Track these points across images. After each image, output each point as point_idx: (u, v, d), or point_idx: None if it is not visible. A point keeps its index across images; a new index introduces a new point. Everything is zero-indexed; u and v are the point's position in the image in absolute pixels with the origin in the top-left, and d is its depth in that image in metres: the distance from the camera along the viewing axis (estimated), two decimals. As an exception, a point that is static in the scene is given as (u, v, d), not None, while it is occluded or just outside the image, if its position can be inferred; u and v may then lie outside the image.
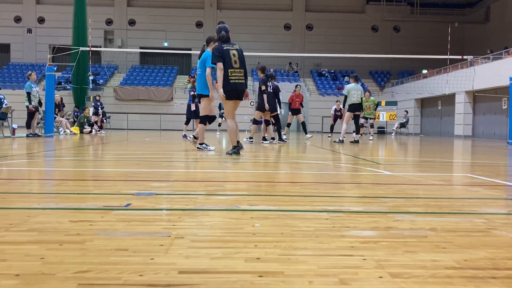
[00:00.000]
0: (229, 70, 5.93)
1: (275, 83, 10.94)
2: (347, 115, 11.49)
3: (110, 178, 3.62)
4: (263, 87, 10.34)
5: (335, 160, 5.97)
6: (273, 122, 10.88)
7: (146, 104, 29.50)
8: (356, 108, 11.16)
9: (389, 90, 31.78)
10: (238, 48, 6.12)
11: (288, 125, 13.42)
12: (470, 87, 19.19)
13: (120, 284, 1.21)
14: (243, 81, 6.05)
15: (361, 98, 11.35)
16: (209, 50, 6.59)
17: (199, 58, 6.91)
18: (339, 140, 11.23)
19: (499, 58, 21.12)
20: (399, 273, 1.33)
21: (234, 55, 5.98)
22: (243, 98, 6.18)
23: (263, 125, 11.20)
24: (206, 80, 6.62)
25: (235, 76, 5.97)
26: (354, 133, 11.62)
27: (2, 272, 1.28)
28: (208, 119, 6.89)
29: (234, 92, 6.01)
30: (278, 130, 10.89)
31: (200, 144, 7.12)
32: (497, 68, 19.33)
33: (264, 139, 10.69)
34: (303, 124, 13.60)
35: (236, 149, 6.04)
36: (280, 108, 10.86)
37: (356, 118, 11.51)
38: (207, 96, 6.75)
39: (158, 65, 36.44)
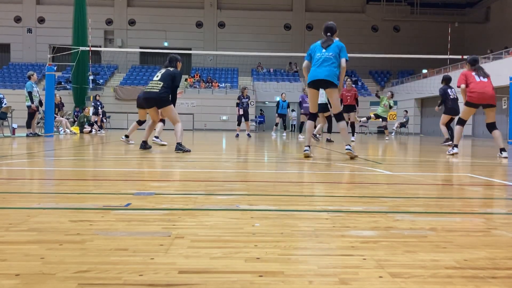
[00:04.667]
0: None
1: None
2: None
3: (110, 178, 3.62)
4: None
5: (335, 159, 5.97)
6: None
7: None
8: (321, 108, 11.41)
9: (389, 90, 31.78)
10: (170, 69, 7.07)
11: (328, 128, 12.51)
12: (470, 87, 19.14)
13: (120, 284, 1.21)
14: (156, 89, 6.85)
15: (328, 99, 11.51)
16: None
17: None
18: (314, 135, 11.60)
19: (499, 58, 21.13)
20: (399, 273, 1.33)
21: (161, 72, 7.06)
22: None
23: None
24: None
25: (149, 86, 7.01)
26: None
27: (2, 272, 1.28)
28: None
29: (142, 99, 7.10)
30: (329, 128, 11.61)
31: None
32: (497, 68, 19.33)
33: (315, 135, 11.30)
34: (352, 125, 12.82)
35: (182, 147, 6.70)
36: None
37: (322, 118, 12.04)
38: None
39: (158, 65, 36.42)
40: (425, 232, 1.85)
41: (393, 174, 4.18)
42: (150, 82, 7.05)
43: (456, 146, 6.99)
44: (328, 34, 5.86)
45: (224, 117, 30.14)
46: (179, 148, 6.69)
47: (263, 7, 36.42)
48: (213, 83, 32.20)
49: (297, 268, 1.36)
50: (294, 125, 31.57)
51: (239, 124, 14.81)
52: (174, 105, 7.02)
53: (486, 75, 6.88)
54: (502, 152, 6.72)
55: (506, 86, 15.74)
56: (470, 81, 6.84)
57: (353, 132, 11.95)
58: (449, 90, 10.97)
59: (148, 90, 6.96)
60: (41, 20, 35.75)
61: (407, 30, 36.79)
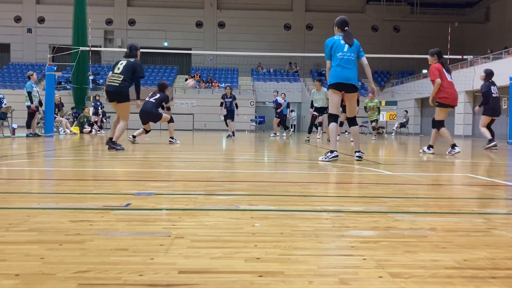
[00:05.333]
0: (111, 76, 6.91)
1: None
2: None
3: (110, 178, 3.62)
4: None
5: (335, 160, 5.96)
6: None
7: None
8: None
9: (389, 90, 31.79)
10: (131, 60, 6.99)
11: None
12: (470, 87, 19.18)
13: (120, 284, 1.21)
14: (117, 83, 6.75)
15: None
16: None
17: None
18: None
19: (499, 58, 21.11)
20: (399, 273, 1.33)
21: (121, 63, 6.92)
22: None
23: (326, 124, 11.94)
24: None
25: (110, 79, 6.87)
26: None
27: (2, 272, 1.28)
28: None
29: (106, 93, 6.90)
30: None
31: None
32: (497, 68, 19.29)
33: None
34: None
35: (114, 145, 6.75)
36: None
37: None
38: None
39: (158, 65, 36.45)
40: (425, 232, 1.85)
41: (393, 174, 4.18)
42: (112, 74, 6.90)
43: (455, 145, 6.96)
44: (346, 28, 5.51)
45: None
46: (113, 146, 6.70)
47: (263, 7, 36.41)
48: (213, 83, 32.20)
49: (297, 268, 1.36)
50: (294, 125, 31.57)
51: (227, 124, 14.63)
52: (139, 97, 7.14)
53: (450, 71, 6.93)
54: (455, 147, 6.85)
55: (506, 86, 15.72)
56: (442, 78, 6.75)
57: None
58: (492, 88, 9.71)
59: (109, 83, 6.85)
60: (41, 20, 35.74)
61: (407, 30, 36.78)
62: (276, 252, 1.53)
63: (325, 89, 11.65)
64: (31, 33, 35.73)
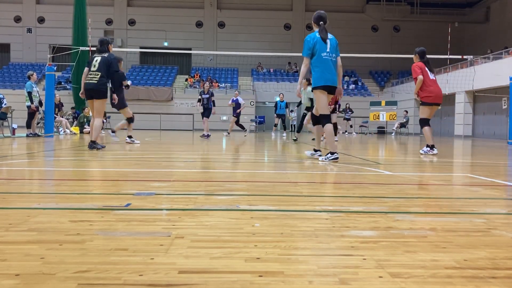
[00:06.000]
0: (88, 73, 7.02)
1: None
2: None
3: (110, 178, 3.62)
4: None
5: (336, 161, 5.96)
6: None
7: (146, 104, 29.48)
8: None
9: (389, 90, 31.78)
10: (104, 55, 7.03)
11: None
12: (470, 87, 19.19)
13: (120, 284, 1.21)
14: (95, 81, 6.89)
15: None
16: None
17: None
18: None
19: (499, 58, 21.12)
20: (399, 273, 1.33)
21: (96, 60, 7.00)
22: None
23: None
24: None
25: (89, 77, 6.97)
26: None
27: (2, 272, 1.28)
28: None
29: (86, 91, 7.02)
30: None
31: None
32: (497, 68, 19.34)
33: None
34: (335, 125, 13.00)
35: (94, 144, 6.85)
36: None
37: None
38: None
39: (158, 65, 36.44)
40: (425, 232, 1.85)
41: (393, 174, 4.18)
42: (89, 71, 7.00)
43: (433, 146, 6.98)
44: (321, 23, 5.38)
45: (224, 117, 30.11)
46: (94, 146, 6.82)
47: (263, 7, 36.40)
48: (213, 83, 32.21)
49: (297, 268, 1.36)
50: (294, 125, 31.58)
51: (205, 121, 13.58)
52: (114, 91, 7.24)
53: (433, 71, 7.00)
54: (433, 149, 6.89)
55: (506, 86, 15.72)
56: (424, 76, 6.84)
57: (335, 132, 12.24)
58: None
59: (88, 81, 6.97)
60: (41, 20, 35.74)
61: (407, 30, 36.76)
62: (276, 252, 1.53)
63: (309, 89, 11.66)
64: (31, 33, 35.73)
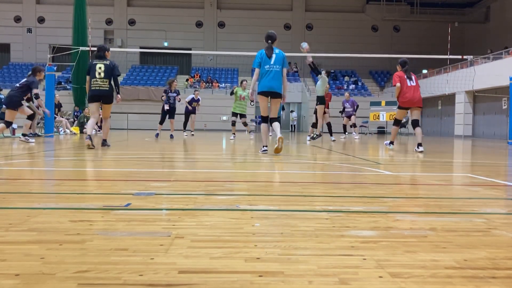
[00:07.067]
0: (92, 80, 7.50)
1: None
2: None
3: (110, 178, 3.62)
4: None
5: (335, 160, 5.97)
6: None
7: (146, 104, 29.47)
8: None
9: (389, 90, 31.78)
10: (107, 63, 7.54)
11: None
12: (470, 87, 19.18)
13: (120, 284, 1.21)
14: (106, 88, 7.48)
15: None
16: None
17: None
18: (317, 135, 11.94)
19: (499, 58, 21.12)
20: (399, 273, 1.33)
21: (100, 68, 7.47)
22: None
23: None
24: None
25: (97, 83, 7.48)
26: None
27: (2, 272, 1.28)
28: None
29: (95, 96, 7.54)
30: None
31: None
32: (497, 68, 19.34)
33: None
34: (329, 125, 13.02)
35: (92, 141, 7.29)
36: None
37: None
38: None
39: (158, 65, 36.44)
40: (425, 232, 1.85)
41: (393, 174, 4.18)
42: (94, 79, 7.47)
43: (392, 143, 8.17)
44: (269, 41, 6.51)
45: (224, 117, 30.12)
46: (106, 144, 7.59)
47: (263, 7, 36.41)
48: (213, 83, 32.21)
49: (297, 268, 1.36)
50: (294, 125, 31.56)
51: (161, 122, 12.82)
52: (118, 91, 7.83)
53: (412, 78, 8.00)
54: (419, 147, 7.66)
55: (506, 86, 15.72)
56: (403, 83, 7.92)
57: (330, 132, 12.31)
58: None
59: (97, 87, 7.49)
60: (41, 20, 35.75)
61: (407, 30, 36.77)
62: (276, 252, 1.53)
63: (325, 78, 11.76)
64: (31, 33, 35.73)
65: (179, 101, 13.03)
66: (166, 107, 12.64)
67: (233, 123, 13.23)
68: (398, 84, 7.85)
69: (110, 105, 7.68)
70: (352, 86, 32.97)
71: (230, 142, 11.01)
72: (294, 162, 5.58)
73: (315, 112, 12.28)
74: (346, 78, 33.85)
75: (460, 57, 16.37)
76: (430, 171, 4.72)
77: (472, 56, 17.69)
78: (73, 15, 25.92)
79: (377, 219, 2.08)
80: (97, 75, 7.44)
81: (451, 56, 15.91)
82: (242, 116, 13.21)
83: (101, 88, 7.47)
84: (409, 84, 7.94)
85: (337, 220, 2.05)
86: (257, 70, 6.47)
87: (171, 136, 12.77)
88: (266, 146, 6.55)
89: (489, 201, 2.81)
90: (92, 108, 7.75)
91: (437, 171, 4.73)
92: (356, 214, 2.21)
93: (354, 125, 15.85)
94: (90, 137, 7.18)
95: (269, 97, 6.41)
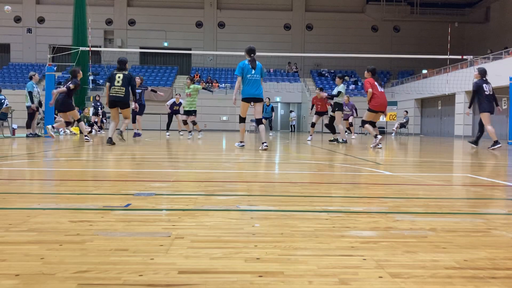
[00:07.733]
0: (111, 87, 8.61)
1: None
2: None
3: (110, 178, 3.63)
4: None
5: (335, 160, 5.97)
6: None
7: (146, 104, 29.44)
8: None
9: (389, 90, 31.80)
10: (125, 73, 8.64)
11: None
12: (470, 87, 19.14)
13: (120, 284, 1.21)
14: (122, 94, 8.56)
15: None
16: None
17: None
18: (343, 140, 11.48)
19: (499, 58, 21.12)
20: (399, 273, 1.33)
21: (119, 77, 8.56)
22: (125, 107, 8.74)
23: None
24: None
25: (114, 90, 8.57)
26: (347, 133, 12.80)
27: (2, 272, 1.28)
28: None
29: (112, 102, 8.63)
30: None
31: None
32: (497, 68, 19.34)
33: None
34: (327, 126, 13.17)
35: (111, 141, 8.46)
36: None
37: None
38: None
39: (158, 65, 36.46)
40: (425, 232, 1.85)
41: (393, 175, 4.18)
42: (113, 87, 8.55)
43: (377, 136, 8.81)
44: (252, 55, 7.70)
45: (224, 118, 30.15)
46: (121, 134, 9.00)
47: (263, 7, 36.43)
48: (213, 83, 32.21)
49: (297, 268, 1.36)
50: (294, 125, 31.57)
51: (133, 121, 12.52)
52: (136, 99, 9.15)
53: (381, 85, 8.93)
54: (378, 143, 8.71)
55: (506, 86, 15.74)
56: (374, 90, 8.79)
57: (333, 131, 12.23)
58: (484, 85, 9.67)
59: (115, 94, 8.55)
60: (41, 20, 35.76)
61: (407, 30, 36.79)
62: (276, 252, 1.53)
63: (343, 85, 11.76)
64: (31, 33, 35.75)
65: (251, 105, 12.59)
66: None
67: (185, 122, 13.70)
68: (370, 90, 8.77)
69: (127, 109, 8.79)
70: (352, 86, 32.98)
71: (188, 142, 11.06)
72: (294, 162, 5.58)
73: (332, 119, 12.14)
74: (346, 78, 33.85)
75: (460, 57, 16.39)
76: (430, 171, 4.72)
77: (472, 56, 17.72)
78: (73, 15, 25.92)
79: (377, 220, 2.08)
80: (115, 83, 8.50)
81: (451, 56, 15.92)
82: (191, 113, 13.04)
83: (118, 94, 8.51)
84: (379, 90, 8.86)
85: (337, 220, 2.05)
86: (239, 79, 7.62)
87: (137, 135, 12.73)
88: (243, 142, 8.16)
89: (489, 202, 2.81)
90: (112, 114, 8.86)
91: (437, 171, 4.73)
92: (356, 214, 2.21)
93: (351, 125, 16.36)
94: (121, 132, 8.94)
95: (251, 102, 7.69)
